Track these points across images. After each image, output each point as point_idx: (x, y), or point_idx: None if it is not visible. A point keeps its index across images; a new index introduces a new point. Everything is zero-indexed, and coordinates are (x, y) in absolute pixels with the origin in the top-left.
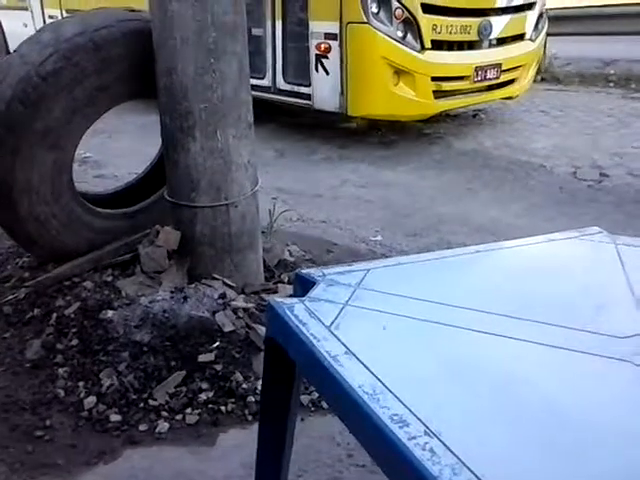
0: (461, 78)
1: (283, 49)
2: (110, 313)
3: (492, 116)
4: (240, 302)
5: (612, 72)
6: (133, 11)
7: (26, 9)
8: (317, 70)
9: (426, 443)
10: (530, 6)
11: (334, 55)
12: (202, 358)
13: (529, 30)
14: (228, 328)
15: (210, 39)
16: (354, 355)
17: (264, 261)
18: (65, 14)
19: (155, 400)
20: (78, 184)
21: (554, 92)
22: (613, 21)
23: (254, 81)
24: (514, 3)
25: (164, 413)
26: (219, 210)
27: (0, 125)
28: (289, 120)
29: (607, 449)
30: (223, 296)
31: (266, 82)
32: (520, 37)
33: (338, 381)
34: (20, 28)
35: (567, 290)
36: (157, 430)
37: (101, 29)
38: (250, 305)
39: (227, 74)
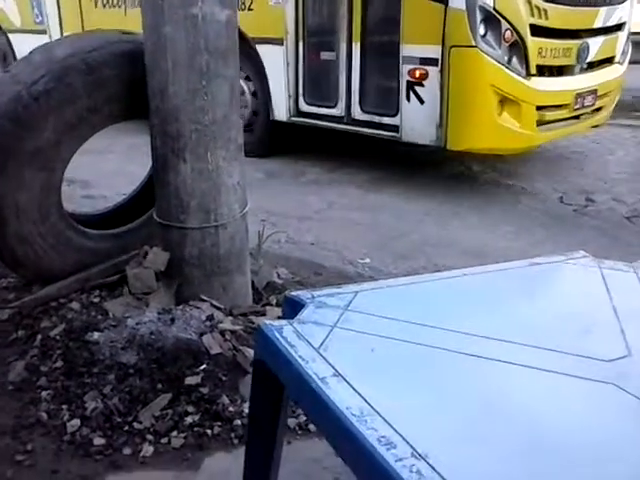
0: (561, 106)
1: (361, 75)
2: (96, 335)
3: None
4: (227, 324)
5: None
6: (126, 34)
7: (44, 32)
8: (408, 99)
9: (413, 465)
10: (620, 26)
11: (432, 82)
12: (188, 381)
13: (619, 53)
14: (215, 350)
15: (202, 62)
16: (342, 377)
17: (252, 283)
18: None
19: (140, 423)
20: (66, 204)
21: None
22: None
23: (323, 110)
24: (609, 23)
25: (149, 436)
26: (208, 232)
27: None
28: None
29: (590, 469)
30: (210, 318)
31: (337, 111)
32: (609, 60)
33: (326, 403)
34: None
35: (553, 313)
36: (142, 454)
37: (92, 51)
38: (237, 327)
39: (218, 97)
